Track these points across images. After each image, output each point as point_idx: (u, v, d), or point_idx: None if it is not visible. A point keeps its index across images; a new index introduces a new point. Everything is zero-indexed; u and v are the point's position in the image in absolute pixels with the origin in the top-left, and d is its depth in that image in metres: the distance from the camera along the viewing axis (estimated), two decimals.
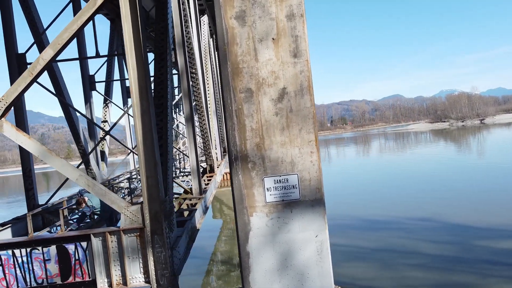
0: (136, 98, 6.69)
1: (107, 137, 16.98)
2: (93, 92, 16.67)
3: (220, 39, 5.55)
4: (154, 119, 6.99)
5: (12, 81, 11.72)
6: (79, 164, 12.84)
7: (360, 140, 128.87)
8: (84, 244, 6.89)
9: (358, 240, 22.81)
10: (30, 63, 12.26)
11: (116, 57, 19.39)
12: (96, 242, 6.87)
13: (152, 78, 8.31)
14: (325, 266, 5.64)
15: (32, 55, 12.90)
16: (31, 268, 6.87)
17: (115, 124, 14.56)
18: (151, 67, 8.87)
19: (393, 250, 20.77)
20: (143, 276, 6.95)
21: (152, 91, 7.91)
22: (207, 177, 15.87)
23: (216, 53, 30.24)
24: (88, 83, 16.45)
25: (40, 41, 12.42)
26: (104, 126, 17.64)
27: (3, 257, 6.86)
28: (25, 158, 11.90)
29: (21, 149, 12.14)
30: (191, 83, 13.40)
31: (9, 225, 10.41)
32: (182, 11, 12.10)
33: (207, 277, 19.83)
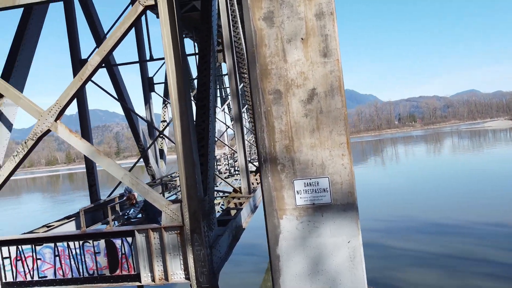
0: (175, 100, 6.91)
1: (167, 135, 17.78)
2: (153, 93, 17.52)
3: (248, 41, 5.55)
4: (193, 120, 7.18)
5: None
6: (137, 161, 13.58)
7: (431, 138, 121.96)
8: (129, 239, 7.27)
9: (424, 244, 21.72)
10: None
11: None
12: (140, 238, 7.21)
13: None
14: (358, 273, 5.43)
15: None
16: (83, 260, 7.39)
17: (167, 124, 15.13)
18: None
19: (461, 257, 19.49)
20: (183, 272, 7.17)
21: (192, 92, 8.14)
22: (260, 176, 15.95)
23: None
24: (148, 84, 17.31)
25: None
26: (164, 125, 18.45)
27: (59, 248, 7.45)
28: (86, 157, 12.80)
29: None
30: (240, 83, 13.57)
31: (73, 218, 11.32)
32: (230, 13, 12.28)
33: (267, 275, 19.97)
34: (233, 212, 10.85)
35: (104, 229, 7.99)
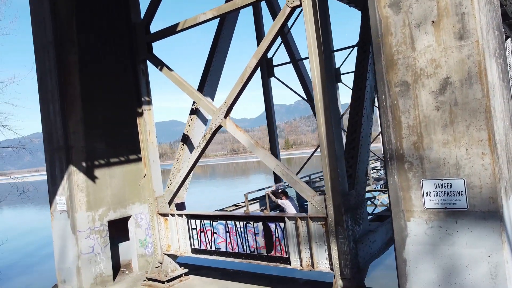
0: (319, 95, 7.10)
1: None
2: (339, 84, 17.80)
3: (373, 31, 5.26)
4: (337, 115, 7.21)
5: (263, 80, 14.23)
6: (314, 151, 14.21)
7: None
8: (281, 224, 7.93)
9: None
10: (276, 65, 14.46)
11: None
12: (290, 225, 7.77)
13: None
14: None
15: (277, 59, 15.35)
16: (246, 238, 8.48)
17: (345, 112, 15.04)
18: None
19: None
20: (328, 263, 7.38)
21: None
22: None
23: None
24: (334, 76, 17.67)
25: (287, 45, 14.40)
26: None
27: (229, 226, 8.75)
28: (273, 148, 14.24)
29: (271, 141, 14.57)
30: None
31: (257, 200, 12.89)
32: None
33: None
34: None
35: (262, 213, 8.90)
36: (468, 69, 4.63)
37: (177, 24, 9.10)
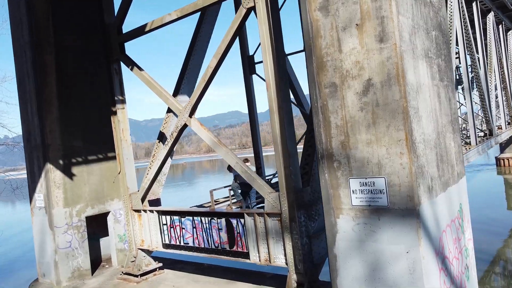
0: (273, 95, 7.26)
1: None
2: None
3: (305, 34, 5.40)
4: (289, 114, 7.37)
5: (245, 77, 14.34)
6: None
7: None
8: (242, 220, 8.13)
9: None
10: (257, 63, 14.56)
11: None
12: (250, 221, 7.97)
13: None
14: None
15: (258, 56, 15.39)
16: (211, 234, 8.71)
17: None
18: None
19: None
20: (283, 257, 7.57)
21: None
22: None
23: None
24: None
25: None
26: None
27: (196, 222, 8.99)
28: (256, 144, 14.39)
29: (253, 137, 14.72)
30: None
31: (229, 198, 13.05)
32: None
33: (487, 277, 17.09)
34: None
35: (225, 210, 9.09)
36: (387, 71, 4.76)
37: (145, 25, 9.31)
